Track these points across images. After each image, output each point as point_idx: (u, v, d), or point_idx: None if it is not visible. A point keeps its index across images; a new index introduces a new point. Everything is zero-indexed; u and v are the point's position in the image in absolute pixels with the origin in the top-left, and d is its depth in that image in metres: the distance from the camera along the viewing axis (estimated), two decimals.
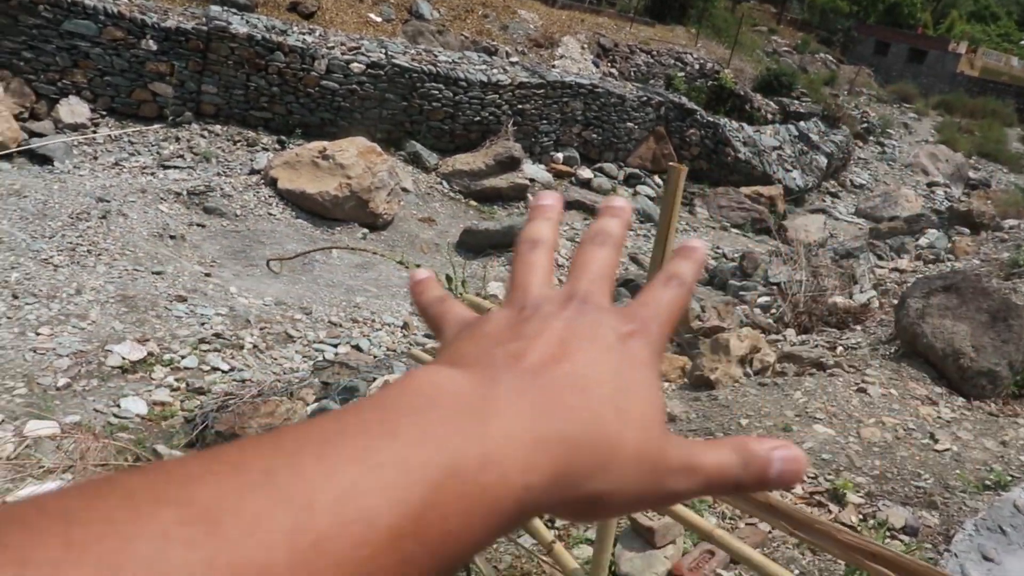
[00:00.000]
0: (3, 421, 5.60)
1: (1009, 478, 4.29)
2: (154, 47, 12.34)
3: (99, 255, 8.64)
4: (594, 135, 16.39)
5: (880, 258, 11.49)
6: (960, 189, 22.24)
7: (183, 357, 6.98)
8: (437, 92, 14.09)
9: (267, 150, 12.60)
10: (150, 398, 6.31)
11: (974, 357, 5.67)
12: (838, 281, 9.45)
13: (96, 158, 11.50)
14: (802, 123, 20.58)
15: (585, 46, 20.63)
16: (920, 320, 5.95)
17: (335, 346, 7.69)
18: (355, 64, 13.40)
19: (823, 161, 19.66)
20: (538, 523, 2.70)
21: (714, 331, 7.25)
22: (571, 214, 13.75)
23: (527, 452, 0.36)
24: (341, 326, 8.22)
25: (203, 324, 7.66)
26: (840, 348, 6.92)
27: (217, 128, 12.70)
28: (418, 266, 6.44)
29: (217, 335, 7.44)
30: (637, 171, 16.62)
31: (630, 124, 16.72)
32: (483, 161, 13.86)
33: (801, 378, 5.64)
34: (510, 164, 13.97)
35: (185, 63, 12.56)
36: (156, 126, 12.43)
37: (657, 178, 16.80)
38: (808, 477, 4.33)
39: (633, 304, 0.48)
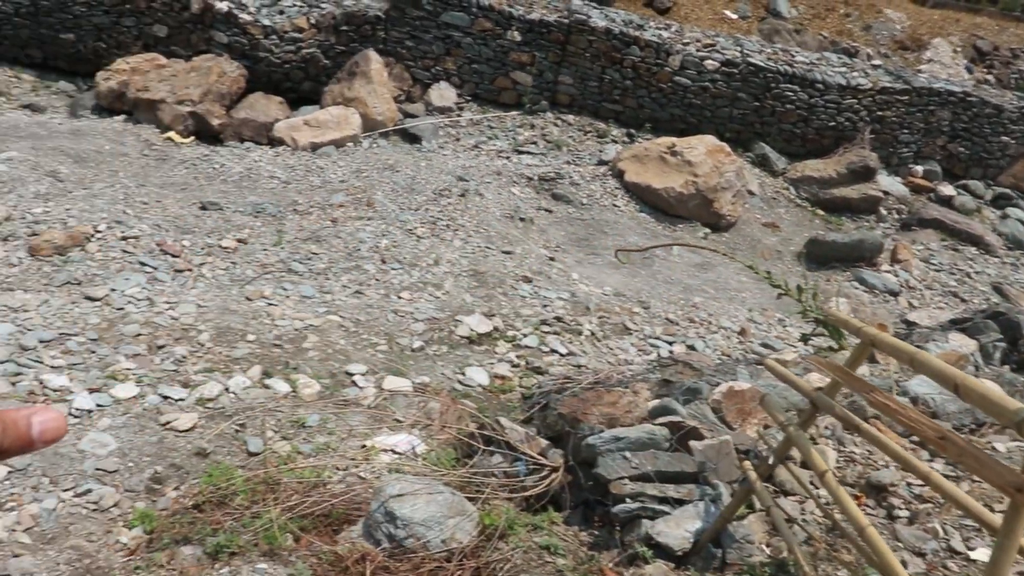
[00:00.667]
0: (367, 373, 6.13)
1: None
2: (518, 38, 12.97)
3: (456, 230, 9.24)
4: (961, 148, 14.97)
5: None
6: None
7: (525, 336, 7.27)
8: (791, 94, 13.56)
9: (616, 142, 12.82)
10: (492, 370, 6.63)
11: None
12: None
13: (458, 140, 12.32)
14: None
15: (958, 49, 18.95)
16: None
17: (670, 344, 7.64)
18: (709, 61, 13.24)
19: None
20: (899, 567, 2.47)
21: None
22: (927, 233, 12.68)
23: None
24: (678, 324, 8.16)
25: (545, 306, 7.94)
26: None
27: (570, 118, 13.12)
28: (768, 273, 6.21)
29: (558, 318, 7.67)
30: (1008, 191, 14.93)
31: (1005, 138, 15.07)
32: (835, 169, 13.16)
33: None
34: (863, 174, 13.13)
35: (545, 54, 13.08)
36: (513, 113, 13.08)
37: None
38: None
39: None
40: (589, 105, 13.38)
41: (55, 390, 5.19)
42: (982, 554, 3.61)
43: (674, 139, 11.95)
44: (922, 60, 18.20)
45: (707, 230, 11.21)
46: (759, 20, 18.13)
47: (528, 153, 12.19)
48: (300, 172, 10.33)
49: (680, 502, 4.03)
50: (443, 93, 13.03)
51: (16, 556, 3.84)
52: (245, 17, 12.03)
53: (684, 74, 13.25)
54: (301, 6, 12.44)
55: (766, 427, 4.76)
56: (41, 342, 5.68)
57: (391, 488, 4.03)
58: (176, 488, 4.53)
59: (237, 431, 5.10)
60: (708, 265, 10.04)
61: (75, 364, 5.54)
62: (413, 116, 12.64)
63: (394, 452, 5.04)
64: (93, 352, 5.74)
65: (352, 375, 6.07)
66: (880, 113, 14.10)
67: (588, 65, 13.18)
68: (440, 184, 10.31)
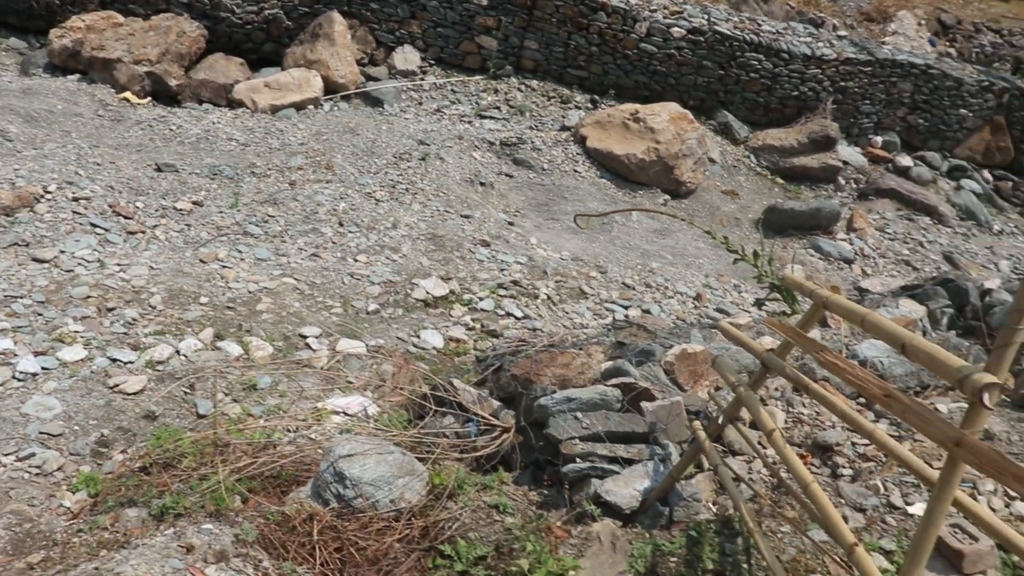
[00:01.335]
0: (321, 335, 6.10)
1: None
2: (484, 2, 12.84)
3: (415, 194, 9.17)
4: (920, 120, 15.08)
5: None
6: None
7: (481, 299, 7.26)
8: (756, 63, 13.57)
9: (579, 108, 12.76)
10: (447, 333, 6.62)
11: None
12: None
13: (421, 104, 12.20)
14: None
15: (923, 22, 19.01)
16: None
17: (626, 308, 7.67)
18: (676, 29, 13.19)
19: None
20: (840, 521, 2.50)
21: None
22: (883, 202, 12.80)
23: None
24: (634, 289, 8.19)
25: (502, 270, 7.92)
26: None
27: (534, 83, 13.04)
28: (725, 238, 6.24)
29: (515, 282, 7.67)
30: (964, 163, 15.07)
31: (963, 111, 15.20)
32: (796, 138, 13.21)
33: None
34: (824, 144, 13.20)
35: (512, 18, 12.96)
36: (477, 77, 12.97)
37: (987, 173, 15.20)
38: None
39: None
40: (554, 70, 13.29)
41: None
42: (919, 508, 3.68)
43: (638, 106, 11.92)
44: (887, 32, 18.24)
45: (667, 196, 11.22)
46: None
47: (491, 118, 12.11)
48: (259, 134, 10.19)
49: (630, 462, 4.06)
50: (407, 56, 12.87)
51: None
52: None
53: (650, 41, 13.19)
54: None
55: (717, 389, 4.80)
56: None
57: (340, 448, 4.01)
58: (123, 451, 4.48)
59: (187, 393, 5.05)
60: (667, 231, 10.07)
61: (20, 327, 5.44)
62: (376, 79, 12.49)
63: (345, 414, 5.02)
64: (40, 315, 5.64)
65: (306, 337, 6.03)
66: (843, 84, 14.15)
67: (554, 30, 13.07)
68: (401, 148, 10.22)
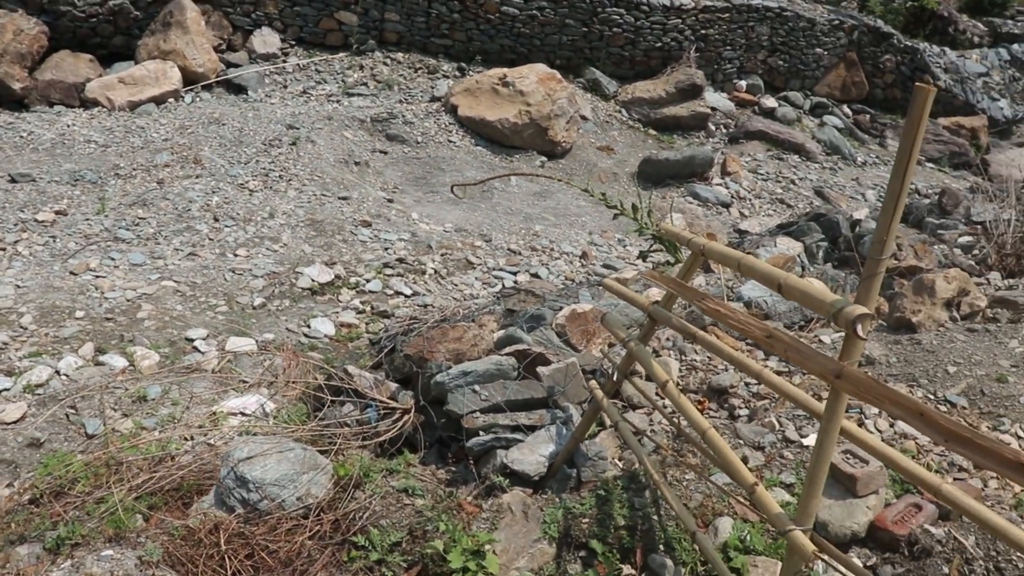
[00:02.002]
0: (208, 336, 5.93)
1: None
2: None
3: (289, 180, 8.98)
4: (780, 62, 15.57)
5: None
6: None
7: (368, 281, 7.18)
8: (618, 17, 13.72)
9: (447, 77, 12.68)
10: (337, 320, 6.54)
11: None
12: None
13: (286, 87, 11.91)
14: (1015, 45, 18.81)
15: None
16: None
17: (514, 274, 7.72)
18: None
19: None
20: (739, 463, 2.59)
21: (911, 271, 6.79)
22: (753, 145, 13.19)
23: None
24: (520, 254, 8.24)
25: (387, 249, 7.85)
26: None
27: (399, 56, 12.88)
28: (603, 195, 6.33)
29: (400, 260, 7.61)
30: (825, 100, 15.70)
31: (819, 50, 15.77)
32: (664, 89, 13.46)
33: (1017, 325, 5.19)
34: (691, 92, 13.50)
35: None
36: (341, 55, 12.73)
37: (846, 108, 15.85)
38: None
39: None
40: (418, 41, 13.15)
41: None
42: (812, 440, 3.83)
43: (505, 70, 11.92)
44: None
45: (543, 158, 11.30)
46: None
47: (359, 95, 11.92)
48: (119, 134, 9.78)
49: (532, 428, 4.09)
50: (266, 39, 12.52)
51: None
52: None
53: (511, 3, 13.18)
54: None
55: (611, 345, 4.88)
56: None
57: (239, 452, 3.92)
58: (8, 485, 4.28)
59: (72, 414, 4.85)
60: (547, 193, 10.14)
61: None
62: (236, 65, 12.12)
63: (243, 414, 4.91)
64: None
65: (192, 340, 5.86)
66: (704, 32, 14.46)
67: (414, 0, 12.91)
68: (270, 134, 9.97)
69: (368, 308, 6.77)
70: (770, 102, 14.96)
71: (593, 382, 4.00)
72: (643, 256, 6.53)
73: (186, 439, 4.59)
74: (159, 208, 7.97)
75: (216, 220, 7.89)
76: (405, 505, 3.79)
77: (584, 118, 12.50)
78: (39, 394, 5.02)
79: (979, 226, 9.31)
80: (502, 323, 5.18)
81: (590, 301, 5.37)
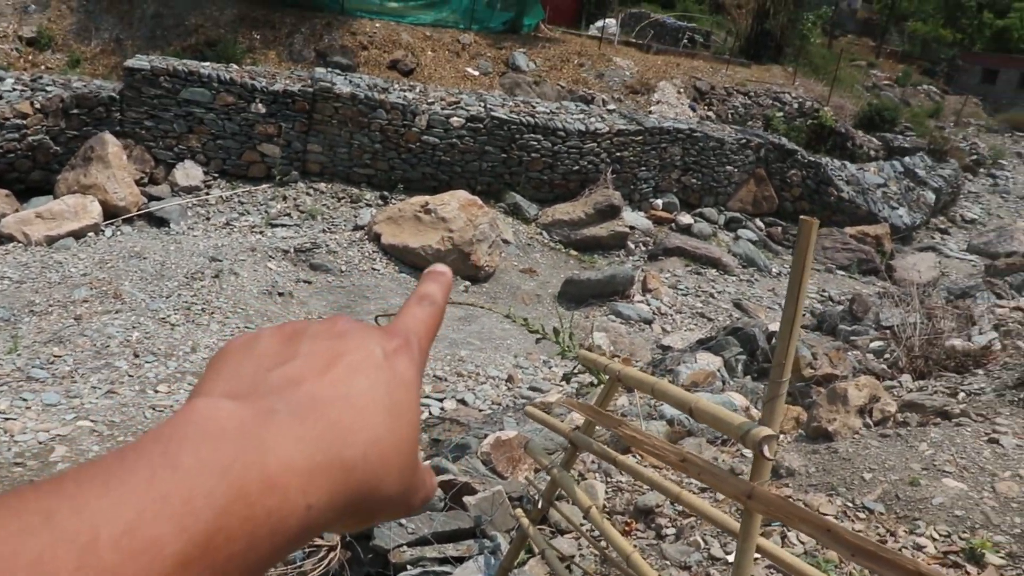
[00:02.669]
0: None
1: None
2: (263, 110, 12.81)
3: (212, 313, 8.92)
4: (693, 180, 16.22)
5: (999, 296, 10.95)
6: None
7: None
8: (536, 143, 14.19)
9: (370, 206, 12.87)
10: None
11: None
12: (954, 323, 9.02)
13: (209, 219, 11.94)
14: (907, 158, 19.97)
15: (681, 90, 20.55)
16: None
17: (440, 400, 7.70)
18: (455, 118, 13.63)
19: (931, 197, 19.00)
20: None
21: (827, 379, 7.00)
22: (672, 261, 13.58)
23: (308, 477, 0.37)
24: (446, 380, 8.25)
25: None
26: (962, 394, 6.56)
27: (322, 186, 13.06)
28: (524, 320, 6.42)
29: None
30: (738, 215, 16.36)
31: (729, 167, 16.50)
32: (583, 210, 13.85)
33: (926, 428, 5.37)
34: (610, 212, 13.91)
35: (292, 124, 12.99)
36: (264, 186, 12.85)
37: (759, 221, 16.51)
38: (941, 535, 4.10)
39: (394, 323, 0.51)
40: (340, 171, 13.37)
41: None
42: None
43: (427, 197, 12.16)
44: (652, 102, 19.57)
45: (468, 283, 11.44)
46: (500, 75, 18.86)
47: (282, 225, 12.00)
48: (35, 269, 9.64)
49: (461, 559, 4.05)
50: (189, 172, 12.60)
51: None
52: None
53: (432, 132, 13.55)
54: (23, 90, 11.65)
55: (536, 471, 4.89)
56: None
57: None
58: None
59: None
60: (472, 317, 10.23)
61: None
62: (158, 199, 12.13)
63: None
64: None
65: None
66: (619, 154, 15.02)
67: (336, 131, 13.20)
68: (192, 267, 9.93)
69: None
70: (686, 219, 15.50)
71: (519, 510, 4.00)
72: (567, 378, 6.61)
73: None
74: (76, 345, 7.82)
75: (136, 356, 7.76)
76: None
77: (506, 242, 12.76)
78: None
79: (888, 330, 9.67)
80: (428, 453, 5.16)
81: (515, 427, 5.39)
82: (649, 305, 11.76)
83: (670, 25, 26.52)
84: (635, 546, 4.11)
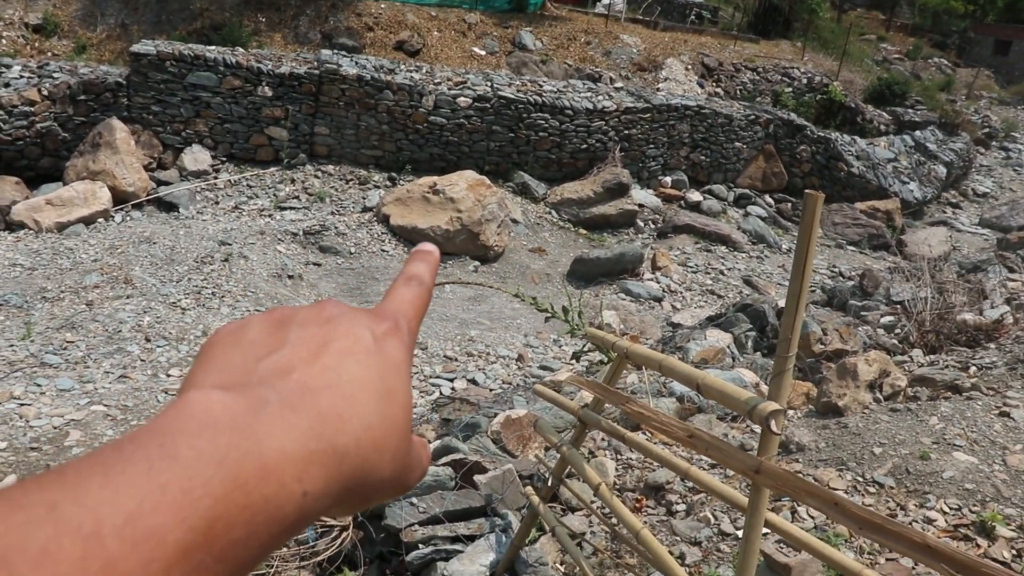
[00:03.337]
0: None
1: None
2: (269, 93, 12.80)
3: (222, 297, 8.95)
4: (702, 157, 16.15)
5: (1011, 270, 10.89)
6: None
7: None
8: (543, 122, 14.14)
9: (378, 187, 12.86)
10: None
11: None
12: (966, 297, 8.98)
13: (217, 203, 11.96)
14: (918, 132, 19.82)
15: (689, 67, 20.42)
16: None
17: (451, 380, 7.72)
18: (462, 98, 13.58)
19: (942, 171, 18.85)
20: (672, 563, 2.62)
21: (837, 354, 6.99)
22: (681, 238, 13.54)
23: (303, 465, 0.38)
24: (456, 360, 8.27)
25: None
26: (973, 368, 6.55)
27: (330, 168, 13.05)
28: (534, 299, 6.43)
29: None
30: (747, 191, 16.29)
31: (738, 144, 16.41)
32: (591, 189, 13.81)
33: (936, 402, 5.36)
34: (618, 190, 13.87)
35: (298, 107, 12.97)
36: (272, 169, 12.86)
37: (768, 197, 16.43)
38: (951, 508, 4.10)
39: (382, 305, 0.51)
40: (348, 153, 13.36)
41: None
42: None
43: (435, 178, 12.14)
44: (659, 79, 19.46)
45: (477, 263, 11.44)
46: (507, 54, 18.79)
47: (291, 208, 12.01)
48: (47, 256, 9.68)
49: (472, 538, 4.07)
50: (197, 157, 12.61)
51: None
52: None
53: (439, 113, 13.51)
54: (31, 77, 11.67)
55: (546, 449, 4.90)
56: None
57: None
58: None
59: None
60: (481, 297, 10.24)
61: None
62: (167, 183, 12.16)
63: None
64: None
65: None
66: (627, 132, 14.95)
67: (343, 114, 13.18)
68: (202, 251, 9.96)
69: None
70: (695, 196, 15.44)
71: (530, 488, 4.02)
72: (577, 356, 6.61)
73: None
74: (88, 330, 7.87)
75: (148, 340, 7.80)
76: None
77: (515, 221, 12.74)
78: None
79: (899, 305, 9.63)
80: (438, 433, 5.19)
81: (524, 406, 5.41)
82: (659, 283, 11.74)
83: (677, 1, 26.34)
84: (645, 523, 4.13)
